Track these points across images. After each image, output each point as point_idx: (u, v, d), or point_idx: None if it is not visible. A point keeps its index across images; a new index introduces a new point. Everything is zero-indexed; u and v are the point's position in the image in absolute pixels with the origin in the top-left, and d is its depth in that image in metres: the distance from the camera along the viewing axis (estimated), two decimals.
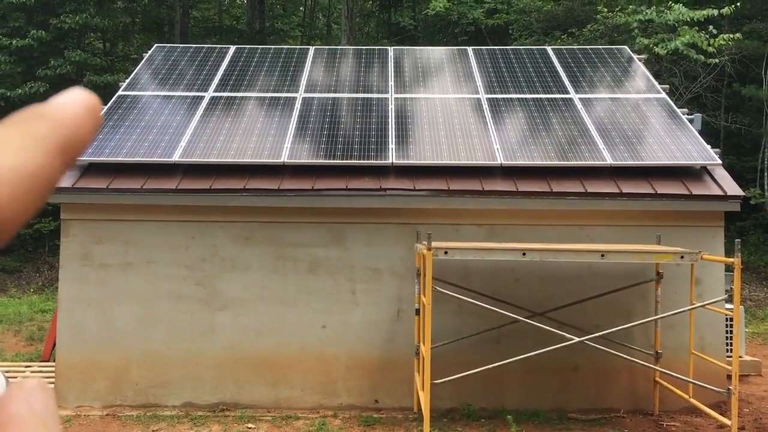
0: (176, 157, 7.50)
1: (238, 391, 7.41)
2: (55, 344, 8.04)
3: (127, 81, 9.31)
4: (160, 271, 7.48)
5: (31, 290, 15.71)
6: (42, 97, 17.08)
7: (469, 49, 10.41)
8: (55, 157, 0.35)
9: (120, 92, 8.98)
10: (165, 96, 8.86)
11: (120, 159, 7.52)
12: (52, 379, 7.56)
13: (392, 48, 10.66)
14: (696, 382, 6.54)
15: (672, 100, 9.08)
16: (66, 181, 7.45)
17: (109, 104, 8.65)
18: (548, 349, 6.20)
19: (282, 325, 7.44)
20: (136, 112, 8.43)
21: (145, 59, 10.01)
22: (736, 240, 6.18)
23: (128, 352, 7.43)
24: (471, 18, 20.58)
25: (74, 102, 0.37)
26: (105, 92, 16.59)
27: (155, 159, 7.50)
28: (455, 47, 11.00)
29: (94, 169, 7.59)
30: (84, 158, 7.53)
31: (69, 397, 7.39)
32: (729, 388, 6.07)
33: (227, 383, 7.42)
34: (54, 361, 8.02)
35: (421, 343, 6.55)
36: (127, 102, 8.69)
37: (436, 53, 10.37)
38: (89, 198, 7.43)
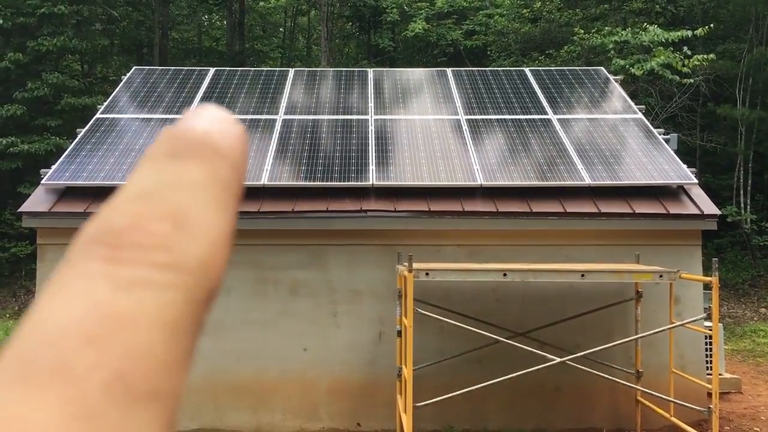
0: None
1: (218, 416, 7.31)
2: None
3: (105, 104, 9.26)
4: None
5: (7, 315, 15.45)
6: (19, 120, 16.96)
7: (449, 71, 10.49)
8: (236, 204, 0.29)
9: (98, 115, 8.92)
10: (144, 119, 8.82)
11: (98, 183, 7.46)
12: None
13: (372, 69, 10.72)
14: (677, 401, 6.56)
15: (648, 119, 9.20)
16: (42, 206, 7.38)
17: (86, 127, 8.60)
18: (530, 369, 6.19)
19: (263, 348, 7.37)
20: (114, 135, 8.38)
21: (123, 81, 9.97)
22: (714, 259, 6.24)
23: None
24: (450, 39, 20.78)
25: (231, 133, 0.29)
26: (83, 115, 16.48)
27: None
28: (434, 68, 11.09)
29: (71, 194, 7.52)
30: (60, 182, 7.47)
31: None
32: (710, 407, 6.09)
33: (207, 409, 7.32)
34: None
35: (403, 365, 6.51)
36: (106, 125, 8.63)
37: (416, 74, 10.43)
38: (66, 222, 7.34)
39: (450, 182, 7.52)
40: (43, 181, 7.54)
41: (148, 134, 8.42)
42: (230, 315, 7.39)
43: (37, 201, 7.49)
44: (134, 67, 10.53)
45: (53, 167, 7.72)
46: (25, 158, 16.61)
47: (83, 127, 8.64)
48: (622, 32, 15.53)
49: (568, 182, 7.51)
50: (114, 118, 8.84)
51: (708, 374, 7.71)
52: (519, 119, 8.84)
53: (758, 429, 7.44)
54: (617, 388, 7.19)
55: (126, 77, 10.11)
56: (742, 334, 13.12)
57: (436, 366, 7.19)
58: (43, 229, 7.43)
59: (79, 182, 7.47)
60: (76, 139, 8.32)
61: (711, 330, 6.76)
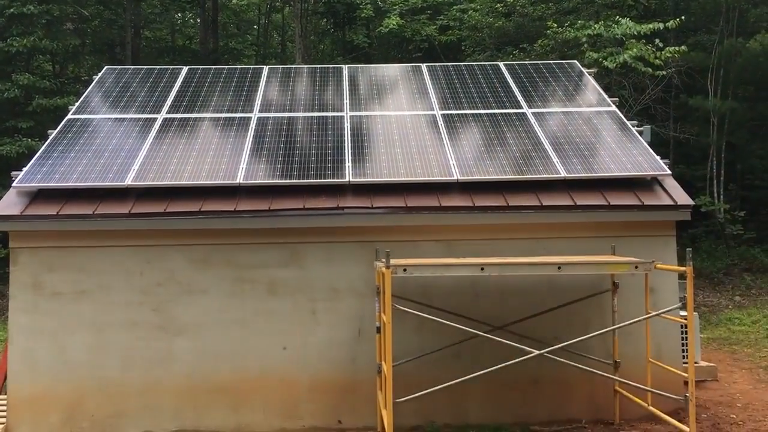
0: (129, 181, 7.37)
1: (198, 417, 7.27)
2: (6, 376, 7.79)
3: (77, 104, 9.15)
4: (115, 297, 7.32)
5: None
6: None
7: (423, 66, 10.49)
8: None
9: (70, 116, 8.81)
10: (116, 119, 8.72)
11: (70, 184, 7.36)
12: (4, 413, 7.32)
13: (347, 66, 10.69)
14: (654, 390, 6.63)
15: (622, 112, 9.27)
16: (14, 209, 7.27)
17: (58, 128, 8.48)
18: (509, 363, 6.22)
19: (242, 348, 7.33)
20: (86, 136, 8.28)
21: (95, 81, 9.85)
22: (688, 249, 6.31)
23: (83, 383, 7.23)
24: (424, 35, 20.80)
25: None
26: (55, 116, 16.26)
27: (107, 183, 7.36)
28: (409, 64, 11.07)
29: (43, 196, 7.42)
30: (32, 184, 7.36)
31: (22, 431, 7.16)
32: (686, 395, 6.17)
33: (187, 410, 7.27)
34: (5, 394, 7.76)
35: (383, 362, 6.52)
36: (77, 125, 8.53)
37: (391, 70, 10.42)
38: (39, 225, 7.24)
39: (426, 178, 7.52)
40: (14, 184, 7.43)
41: (121, 134, 8.32)
42: (208, 315, 7.34)
43: (8, 204, 7.38)
44: (106, 67, 10.40)
45: (25, 169, 7.61)
46: None
47: (55, 129, 8.53)
48: (595, 25, 15.62)
49: (544, 175, 7.55)
50: (86, 118, 8.73)
51: (684, 363, 7.80)
52: (494, 114, 8.86)
53: (734, 416, 7.55)
54: (595, 378, 7.25)
55: (98, 77, 9.98)
56: (718, 323, 13.30)
57: (416, 361, 7.21)
58: (16, 233, 7.32)
59: (52, 184, 7.37)
60: (48, 141, 8.21)
61: (686, 319, 6.84)
